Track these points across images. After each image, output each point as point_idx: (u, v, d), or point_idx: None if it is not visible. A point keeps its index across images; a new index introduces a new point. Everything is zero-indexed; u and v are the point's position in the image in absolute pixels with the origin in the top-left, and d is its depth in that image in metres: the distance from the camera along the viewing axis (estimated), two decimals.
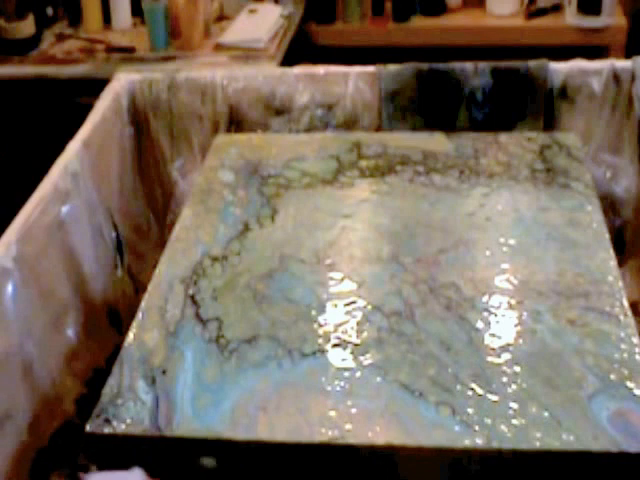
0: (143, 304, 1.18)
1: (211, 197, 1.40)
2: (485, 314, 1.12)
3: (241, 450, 0.99)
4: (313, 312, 1.14)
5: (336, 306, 1.15)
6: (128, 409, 1.02)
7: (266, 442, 0.98)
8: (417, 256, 1.23)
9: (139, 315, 1.16)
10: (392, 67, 1.67)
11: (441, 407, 0.99)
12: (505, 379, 1.02)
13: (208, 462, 0.99)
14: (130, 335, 1.13)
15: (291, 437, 0.98)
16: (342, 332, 1.10)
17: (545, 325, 1.09)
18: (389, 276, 1.20)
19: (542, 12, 2.69)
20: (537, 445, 0.94)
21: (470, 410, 0.98)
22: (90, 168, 1.52)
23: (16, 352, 1.23)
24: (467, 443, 0.95)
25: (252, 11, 2.52)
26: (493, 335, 1.08)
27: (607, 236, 1.25)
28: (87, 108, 1.63)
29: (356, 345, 1.08)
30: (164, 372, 1.07)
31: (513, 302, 1.13)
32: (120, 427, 1.00)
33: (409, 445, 0.96)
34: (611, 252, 1.21)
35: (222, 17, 2.55)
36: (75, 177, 1.46)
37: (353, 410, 0.99)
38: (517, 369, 1.03)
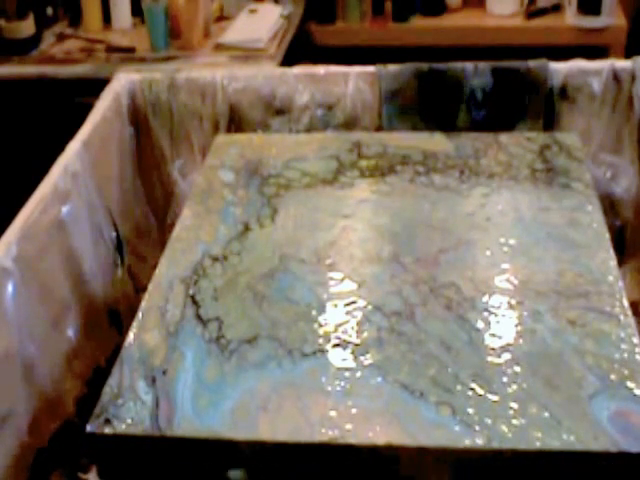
0: (143, 304, 1.18)
1: (211, 197, 1.40)
2: (485, 314, 1.12)
3: (241, 450, 0.99)
4: (313, 312, 1.14)
5: (336, 306, 1.15)
6: (128, 409, 1.02)
7: (266, 442, 0.98)
8: (417, 256, 1.23)
9: (139, 315, 1.16)
10: (392, 67, 1.67)
11: (441, 407, 0.99)
12: (505, 379, 1.02)
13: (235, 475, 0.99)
14: (130, 335, 1.13)
15: (291, 437, 0.98)
16: (342, 332, 1.10)
17: (545, 325, 1.09)
18: (389, 276, 1.20)
19: (542, 12, 2.69)
20: (537, 445, 0.94)
21: (470, 410, 0.98)
22: (90, 168, 1.52)
23: (16, 352, 1.23)
24: (467, 443, 0.95)
25: (252, 11, 2.52)
26: (493, 335, 1.08)
27: (607, 236, 1.25)
28: (87, 108, 1.63)
29: (356, 345, 1.08)
30: (164, 372, 1.07)
31: (513, 302, 1.13)
32: (120, 427, 1.00)
33: (409, 445, 0.96)
34: (611, 252, 1.21)
35: (222, 17, 2.55)
36: (75, 177, 1.46)
37: (353, 410, 0.99)
38: (517, 369, 1.03)
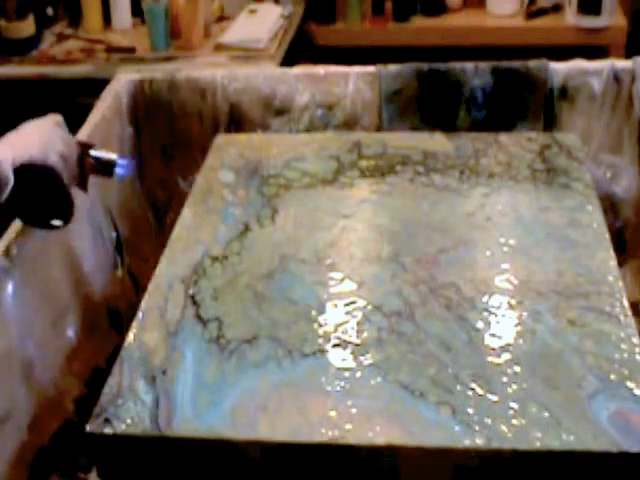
0: (143, 304, 1.18)
1: (211, 197, 1.40)
2: (485, 314, 1.12)
3: (241, 450, 0.99)
4: (313, 312, 1.14)
5: (336, 306, 1.15)
6: (128, 409, 1.02)
7: (266, 442, 0.98)
8: (417, 256, 1.23)
9: (139, 315, 1.16)
10: (392, 67, 1.67)
11: (441, 407, 0.99)
12: (505, 379, 1.02)
13: None
14: (130, 335, 1.13)
15: (291, 437, 0.98)
16: (342, 332, 1.10)
17: (545, 325, 1.09)
18: (389, 276, 1.20)
19: (542, 12, 2.69)
20: (537, 445, 0.94)
21: (470, 410, 0.98)
22: None
23: (16, 352, 1.23)
24: (467, 443, 0.95)
25: (252, 11, 2.52)
26: (493, 335, 1.08)
27: (607, 236, 1.25)
28: (87, 108, 1.63)
29: (356, 345, 1.08)
30: (164, 372, 1.07)
31: (513, 302, 1.13)
32: (120, 427, 1.00)
33: (409, 445, 0.96)
34: (611, 252, 1.21)
35: (222, 17, 2.55)
36: None
37: (353, 410, 0.99)
38: (517, 369, 1.03)
